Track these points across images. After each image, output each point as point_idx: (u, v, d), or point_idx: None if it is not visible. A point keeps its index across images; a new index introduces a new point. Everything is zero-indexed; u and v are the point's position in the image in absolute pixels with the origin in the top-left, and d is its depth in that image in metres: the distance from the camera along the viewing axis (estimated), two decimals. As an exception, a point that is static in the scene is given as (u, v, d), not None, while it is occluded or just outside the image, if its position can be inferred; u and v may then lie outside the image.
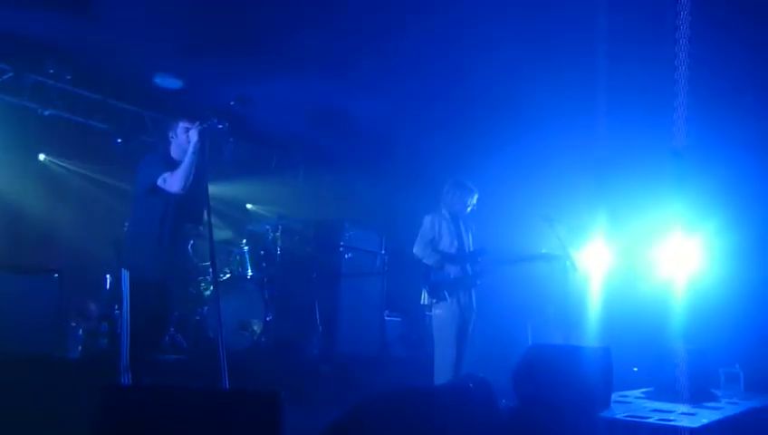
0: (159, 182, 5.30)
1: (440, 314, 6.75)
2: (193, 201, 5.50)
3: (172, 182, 5.27)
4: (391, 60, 7.97)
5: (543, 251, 7.15)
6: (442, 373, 6.60)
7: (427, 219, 6.93)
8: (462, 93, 8.57)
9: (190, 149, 5.30)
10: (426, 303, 6.88)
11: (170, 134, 5.62)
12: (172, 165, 5.38)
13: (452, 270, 6.79)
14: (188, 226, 5.64)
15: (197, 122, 5.36)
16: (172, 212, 5.38)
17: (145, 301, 5.25)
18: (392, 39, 7.46)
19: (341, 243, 9.46)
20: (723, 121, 7.66)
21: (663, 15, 5.97)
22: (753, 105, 7.83)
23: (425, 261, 6.83)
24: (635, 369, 7.73)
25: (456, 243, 6.87)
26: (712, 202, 8.03)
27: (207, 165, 5.43)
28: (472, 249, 6.96)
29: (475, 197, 6.98)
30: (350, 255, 9.53)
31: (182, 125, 5.52)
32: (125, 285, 5.28)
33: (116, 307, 7.95)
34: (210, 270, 8.40)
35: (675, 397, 5.81)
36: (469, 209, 6.99)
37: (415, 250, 6.90)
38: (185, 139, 5.44)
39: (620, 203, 8.46)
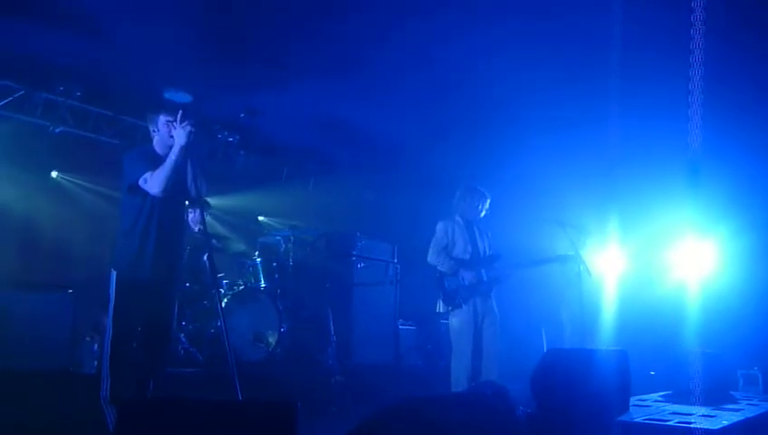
0: (141, 182, 4.98)
1: (456, 321, 6.74)
2: (180, 201, 5.22)
3: (152, 184, 4.94)
4: (401, 68, 7.97)
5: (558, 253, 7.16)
6: (458, 381, 6.59)
7: (440, 226, 6.92)
8: (472, 99, 8.54)
9: (174, 150, 4.94)
10: (441, 311, 6.86)
11: (152, 129, 5.27)
12: (157, 161, 5.03)
13: (466, 276, 6.76)
14: (180, 221, 5.32)
15: (184, 121, 4.96)
16: (157, 211, 5.05)
17: (132, 305, 4.97)
18: (402, 47, 7.46)
19: (354, 253, 9.44)
20: (736, 125, 7.63)
21: (678, 21, 5.95)
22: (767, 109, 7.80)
23: (439, 268, 6.82)
24: (652, 373, 7.67)
25: (469, 248, 6.85)
26: (725, 205, 8.00)
27: (194, 165, 5.10)
28: (488, 254, 6.94)
29: (488, 201, 6.97)
30: (362, 264, 9.51)
31: (163, 118, 5.18)
32: (111, 286, 4.99)
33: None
34: (224, 283, 8.53)
35: (694, 400, 5.76)
36: (483, 214, 6.98)
37: (429, 258, 6.88)
38: (167, 133, 5.11)
39: (634, 206, 8.42)
